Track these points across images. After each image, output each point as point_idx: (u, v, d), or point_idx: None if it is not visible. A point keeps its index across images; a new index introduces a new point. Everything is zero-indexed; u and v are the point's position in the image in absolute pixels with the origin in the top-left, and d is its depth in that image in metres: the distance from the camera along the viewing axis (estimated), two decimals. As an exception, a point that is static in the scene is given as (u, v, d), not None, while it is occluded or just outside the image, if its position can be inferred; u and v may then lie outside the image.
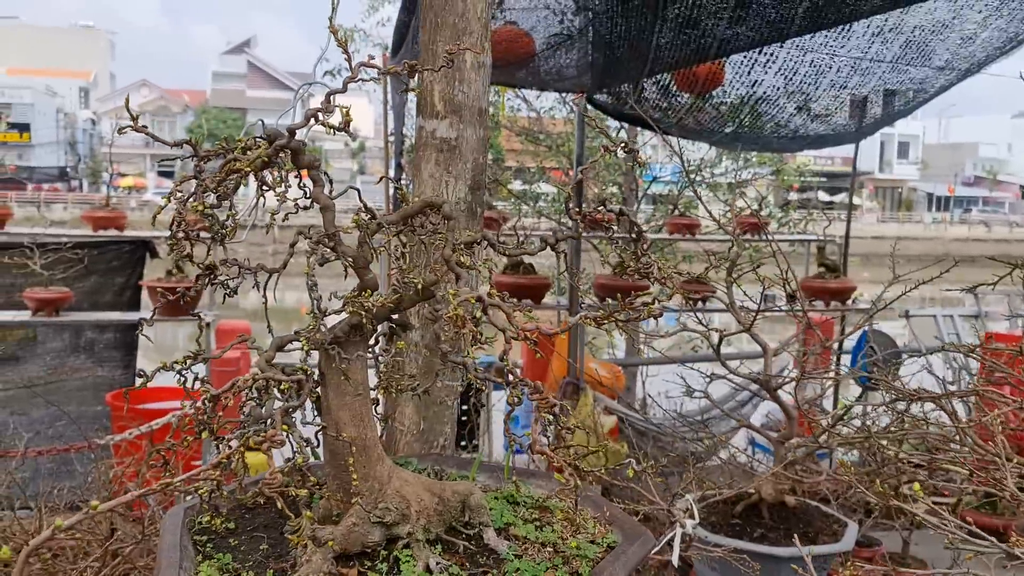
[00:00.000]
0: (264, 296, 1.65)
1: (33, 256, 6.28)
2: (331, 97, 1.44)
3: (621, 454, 6.88)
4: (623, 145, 1.68)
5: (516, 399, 1.41)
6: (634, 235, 1.75)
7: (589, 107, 5.93)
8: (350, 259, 1.55)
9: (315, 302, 1.43)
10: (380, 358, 1.64)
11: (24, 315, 6.32)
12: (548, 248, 1.76)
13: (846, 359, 7.52)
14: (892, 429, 3.80)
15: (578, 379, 6.89)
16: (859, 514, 5.15)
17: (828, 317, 8.59)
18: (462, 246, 1.65)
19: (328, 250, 1.54)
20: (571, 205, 1.75)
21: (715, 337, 3.11)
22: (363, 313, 1.48)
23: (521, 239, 5.80)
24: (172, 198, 1.50)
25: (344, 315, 1.59)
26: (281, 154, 1.52)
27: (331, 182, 1.65)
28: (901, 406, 3.92)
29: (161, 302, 6.44)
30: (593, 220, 1.76)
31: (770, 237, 7.67)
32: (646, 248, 1.81)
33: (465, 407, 6.73)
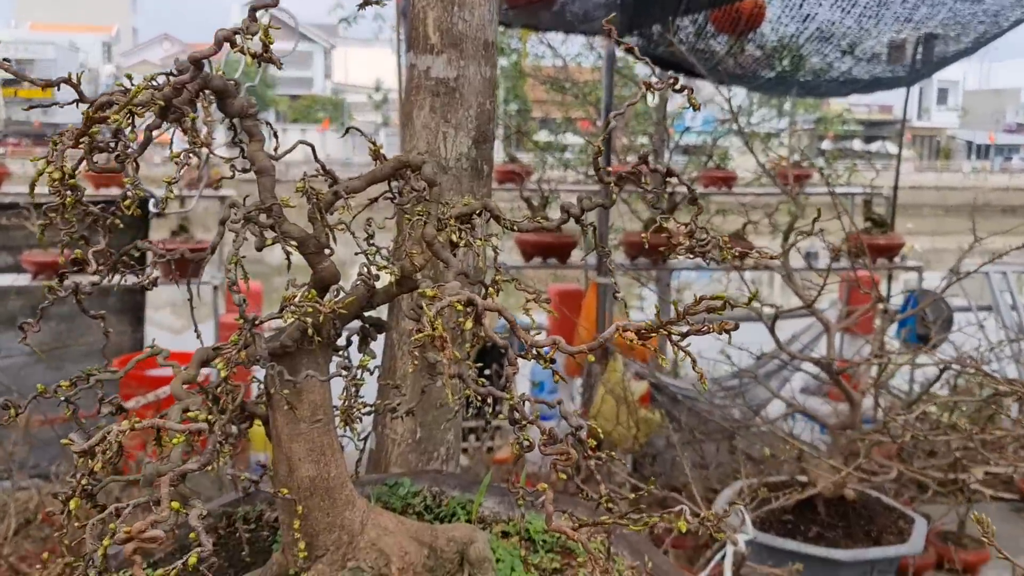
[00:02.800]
0: (189, 291, 1.23)
1: (30, 217, 5.94)
2: (254, 14, 1.00)
3: (653, 422, 6.48)
4: (672, 81, 1.23)
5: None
6: (689, 199, 1.31)
7: (618, 51, 5.43)
8: (294, 241, 1.12)
9: (242, 303, 1.01)
10: (346, 371, 1.22)
11: (24, 279, 6.00)
12: (573, 220, 1.33)
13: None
14: (952, 399, 3.36)
15: (607, 341, 6.46)
16: (911, 490, 4.73)
17: (875, 275, 8.08)
18: (453, 220, 1.22)
19: (267, 229, 1.12)
20: (599, 163, 1.30)
21: (769, 313, 2.67)
22: (310, 319, 1.06)
23: (545, 194, 5.30)
24: (50, 157, 1.09)
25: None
26: (200, 96, 1.09)
27: (275, 135, 1.22)
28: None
29: (161, 263, 6.10)
30: (624, 176, 1.31)
31: (813, 191, 7.15)
32: (697, 215, 1.37)
33: (486, 372, 6.35)
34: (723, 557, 2.10)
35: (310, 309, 1.02)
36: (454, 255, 1.34)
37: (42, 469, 5.49)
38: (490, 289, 1.41)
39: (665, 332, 0.94)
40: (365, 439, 1.46)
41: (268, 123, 1.20)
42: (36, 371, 6.78)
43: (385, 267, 1.16)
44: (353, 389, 1.06)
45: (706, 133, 10.42)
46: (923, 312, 6.01)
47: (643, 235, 6.02)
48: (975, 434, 2.96)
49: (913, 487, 4.74)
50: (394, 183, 1.27)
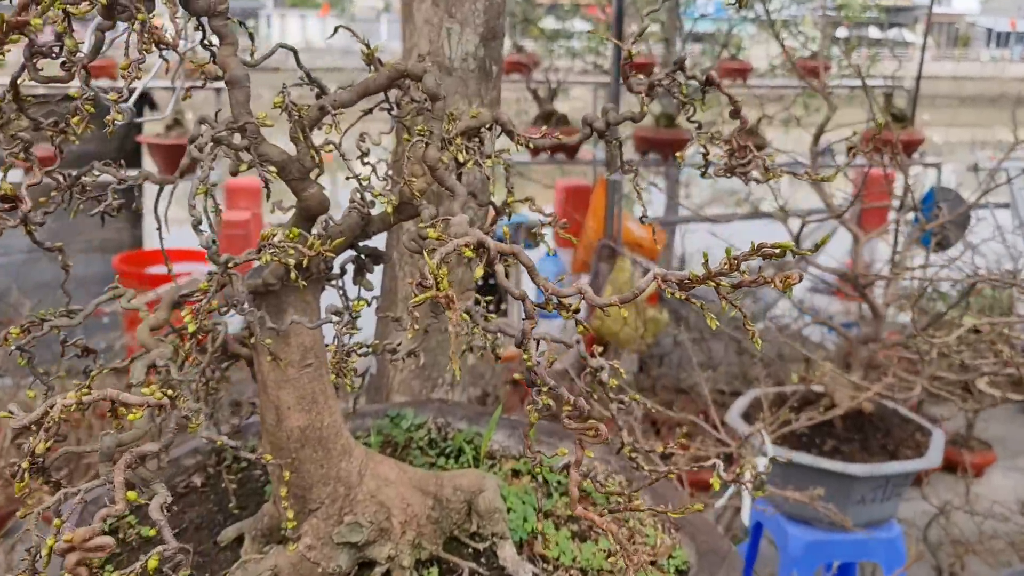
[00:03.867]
0: (157, 220, 1.08)
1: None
2: None
3: (661, 322, 6.38)
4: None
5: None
6: (732, 112, 1.14)
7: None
8: (273, 166, 0.95)
9: (211, 242, 0.85)
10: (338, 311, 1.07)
11: (16, 175, 5.81)
12: (597, 136, 1.16)
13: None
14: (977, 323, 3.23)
15: (615, 241, 6.32)
16: (917, 392, 4.65)
17: (890, 171, 7.83)
18: (459, 138, 1.05)
19: (243, 152, 0.95)
20: (627, 71, 1.12)
21: (795, 224, 2.50)
22: (291, 260, 0.90)
23: (552, 86, 5.04)
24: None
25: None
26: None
27: (252, 39, 1.04)
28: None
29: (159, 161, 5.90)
30: (655, 85, 1.14)
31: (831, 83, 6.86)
32: (740, 130, 1.20)
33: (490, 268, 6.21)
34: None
35: (291, 251, 0.87)
36: (460, 176, 1.18)
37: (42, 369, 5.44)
38: (501, 214, 1.25)
39: (713, 284, 0.79)
40: (363, 375, 1.33)
41: (241, 24, 1.02)
42: (37, 268, 6.66)
43: (380, 195, 1.00)
44: (347, 338, 0.92)
45: (721, 20, 9.96)
46: (939, 210, 5.82)
47: (658, 122, 5.73)
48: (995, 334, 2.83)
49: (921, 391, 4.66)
50: (392, 91, 1.09)
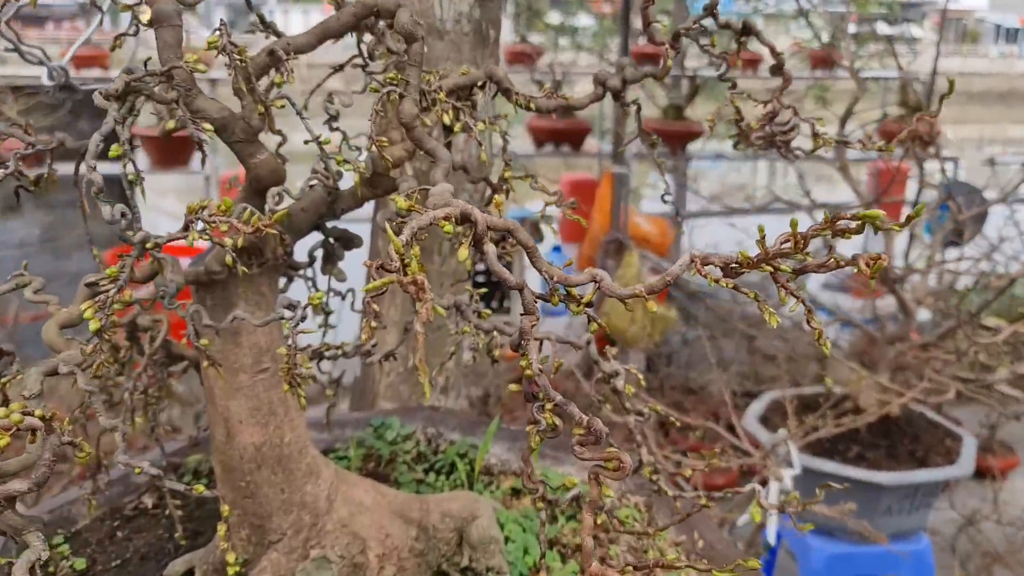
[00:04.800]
0: (82, 202, 0.89)
1: (7, 101, 5.54)
2: None
3: (669, 320, 6.19)
4: None
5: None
6: (773, 67, 0.95)
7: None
8: (211, 124, 0.76)
9: (120, 215, 0.66)
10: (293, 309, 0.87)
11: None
12: (611, 96, 0.97)
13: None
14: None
15: (622, 236, 6.14)
16: (951, 396, 4.45)
17: (904, 164, 7.61)
18: (443, 95, 0.86)
19: (173, 106, 0.76)
20: (649, 14, 0.93)
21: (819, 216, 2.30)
22: (227, 240, 0.71)
23: (557, 78, 4.84)
24: None
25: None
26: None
27: (262, 21, 0.85)
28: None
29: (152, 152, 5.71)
30: (680, 34, 0.96)
31: (843, 76, 6.67)
32: (781, 92, 1.02)
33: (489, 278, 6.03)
34: (765, 496, 1.81)
35: (224, 227, 0.68)
36: (448, 144, 0.99)
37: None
38: (498, 192, 1.07)
39: (770, 268, 0.60)
40: (336, 381, 1.14)
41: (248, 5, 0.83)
42: (38, 261, 6.45)
43: (345, 162, 0.81)
44: (298, 339, 0.73)
45: (730, 13, 9.75)
46: (956, 205, 5.62)
47: (665, 114, 5.53)
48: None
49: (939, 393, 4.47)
50: (365, 41, 0.90)
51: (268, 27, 0.87)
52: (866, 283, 2.80)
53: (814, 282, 6.29)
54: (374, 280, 0.55)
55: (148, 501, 1.23)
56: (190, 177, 5.13)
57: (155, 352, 0.92)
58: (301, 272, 1.01)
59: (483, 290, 1.04)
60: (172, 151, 5.23)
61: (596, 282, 0.66)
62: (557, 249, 7.01)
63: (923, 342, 2.60)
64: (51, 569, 1.08)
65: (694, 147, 6.50)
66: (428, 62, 1.39)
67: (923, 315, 5.99)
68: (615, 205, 6.30)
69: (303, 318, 0.75)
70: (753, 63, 6.67)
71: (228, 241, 0.71)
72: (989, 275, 2.99)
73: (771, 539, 1.78)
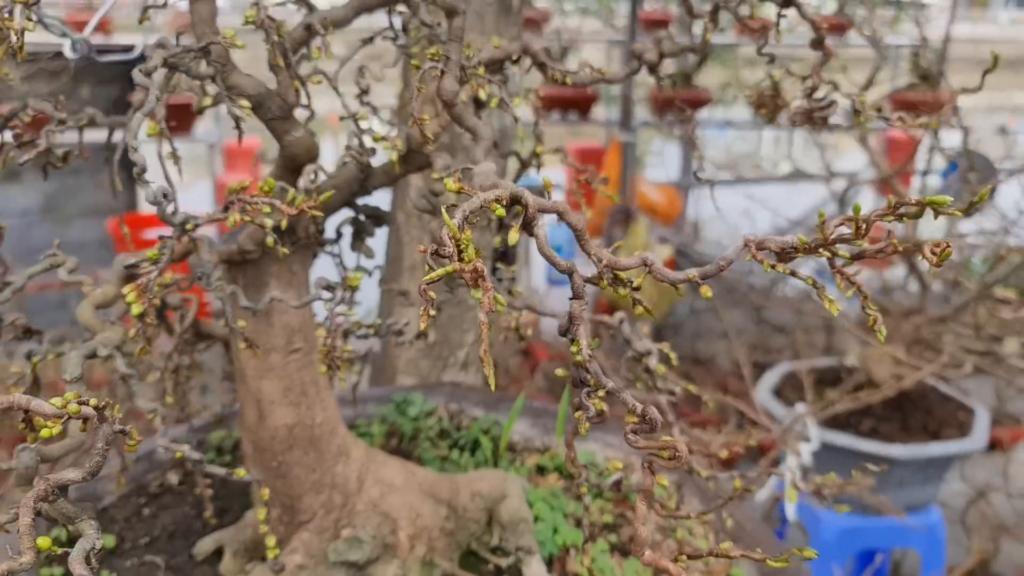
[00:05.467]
0: (125, 180, 0.87)
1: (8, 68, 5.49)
2: None
3: (677, 290, 6.17)
4: None
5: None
6: (813, 41, 0.93)
7: None
8: (247, 100, 0.74)
9: (162, 196, 0.65)
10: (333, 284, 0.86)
11: (5, 136, 5.62)
12: (648, 70, 0.95)
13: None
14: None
15: (629, 205, 6.11)
16: (968, 371, 4.44)
17: (914, 135, 7.54)
18: (479, 68, 0.84)
19: (207, 81, 0.74)
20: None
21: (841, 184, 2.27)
22: (268, 221, 0.70)
23: (564, 44, 4.80)
24: None
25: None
26: None
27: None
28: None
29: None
30: (652, 22, 0.94)
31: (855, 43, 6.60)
32: (823, 65, 0.99)
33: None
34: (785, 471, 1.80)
35: (267, 209, 0.67)
36: (479, 118, 0.97)
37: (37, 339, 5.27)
38: (527, 167, 1.05)
39: (828, 255, 0.59)
40: (363, 358, 1.13)
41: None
42: (31, 232, 6.46)
43: (383, 139, 0.79)
44: (340, 320, 0.72)
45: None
46: (967, 173, 5.57)
47: (674, 83, 5.48)
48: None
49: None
50: (397, 15, 0.88)
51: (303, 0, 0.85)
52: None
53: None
54: (428, 267, 0.53)
55: (174, 478, 1.22)
56: (193, 145, 5.09)
57: (185, 331, 0.91)
58: (328, 248, 1.00)
59: (512, 267, 1.03)
60: (174, 119, 5.17)
61: (647, 266, 0.64)
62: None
63: (941, 315, 2.58)
64: (79, 547, 1.08)
65: (701, 115, 6.44)
66: (450, 32, 1.36)
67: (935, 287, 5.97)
68: (623, 174, 6.26)
69: (342, 300, 0.74)
70: (763, 29, 6.58)
71: (268, 222, 0.69)
72: (1006, 248, 2.96)
73: (790, 516, 1.78)
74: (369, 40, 0.94)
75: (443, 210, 0.54)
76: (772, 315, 5.21)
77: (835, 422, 2.73)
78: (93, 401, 0.51)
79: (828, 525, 2.77)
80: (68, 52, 1.01)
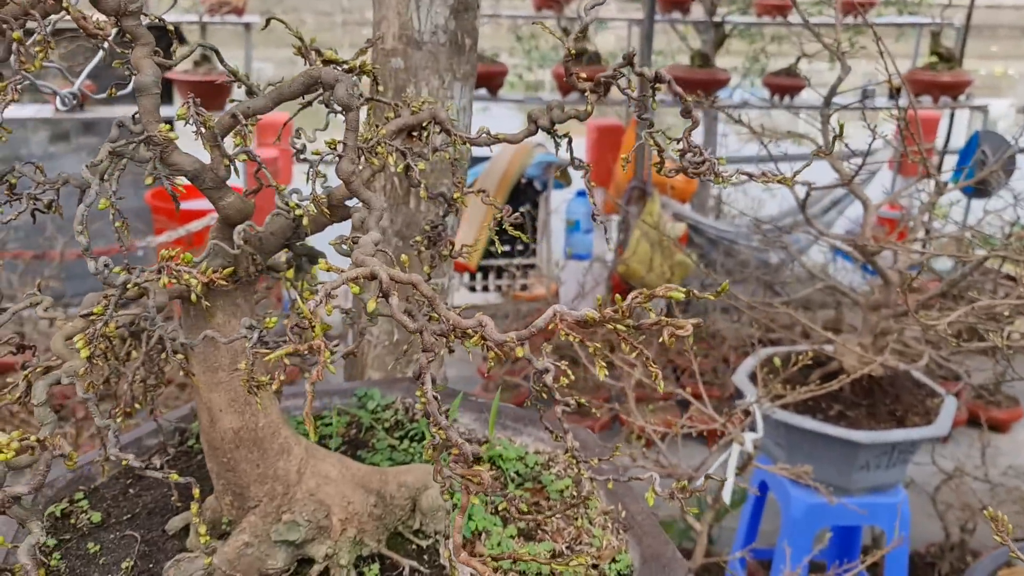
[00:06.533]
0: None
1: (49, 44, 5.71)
2: None
3: (688, 266, 6.31)
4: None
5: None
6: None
7: None
8: (186, 176, 0.93)
9: (104, 267, 0.83)
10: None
11: (47, 110, 5.89)
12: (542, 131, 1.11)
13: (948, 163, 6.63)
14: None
15: (645, 182, 6.23)
16: (944, 349, 4.55)
17: (935, 114, 7.53)
18: (384, 140, 1.01)
19: (154, 165, 0.92)
20: (570, 67, 1.06)
21: (800, 191, 2.41)
22: (193, 282, 0.88)
23: (586, 23, 4.99)
24: None
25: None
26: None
27: (177, 35, 1.00)
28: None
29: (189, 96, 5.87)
30: (601, 83, 1.10)
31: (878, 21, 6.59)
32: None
33: (522, 208, 6.16)
34: (727, 458, 1.98)
35: (186, 276, 0.84)
36: (407, 169, 1.15)
37: (75, 301, 5.53)
38: (451, 210, 1.22)
39: (621, 327, 0.75)
40: (348, 355, 1.31)
41: (162, 20, 0.98)
42: (73, 201, 6.69)
43: (296, 205, 0.96)
44: (252, 358, 0.90)
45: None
46: (983, 154, 5.61)
47: (693, 62, 5.56)
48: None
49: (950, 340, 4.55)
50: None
51: (241, 79, 1.02)
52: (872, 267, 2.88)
53: (840, 229, 6.33)
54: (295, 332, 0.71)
55: (157, 462, 1.43)
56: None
57: (152, 348, 1.10)
58: (279, 275, 1.18)
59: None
60: (208, 95, 5.40)
61: (481, 326, 0.81)
62: (582, 194, 7.11)
63: (931, 294, 2.64)
64: (72, 521, 1.29)
65: (720, 95, 6.52)
66: (407, 71, 1.53)
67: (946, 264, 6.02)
68: (639, 152, 6.37)
69: (260, 339, 0.92)
70: (781, 9, 6.62)
71: (194, 282, 0.88)
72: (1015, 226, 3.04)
73: (726, 498, 1.95)
74: (307, 104, 1.12)
75: (299, 298, 0.71)
76: (784, 291, 5.30)
77: (805, 406, 2.88)
78: (34, 438, 0.70)
79: (797, 501, 2.94)
80: (59, 105, 1.19)
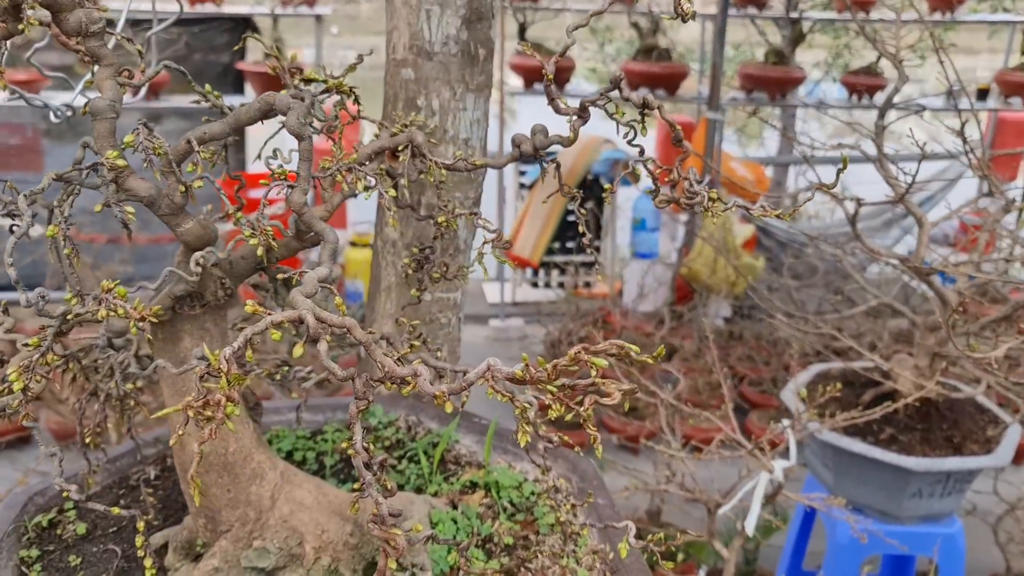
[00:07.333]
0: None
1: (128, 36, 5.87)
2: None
3: (756, 269, 6.15)
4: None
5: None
6: None
7: None
8: (142, 201, 0.90)
9: (39, 298, 0.81)
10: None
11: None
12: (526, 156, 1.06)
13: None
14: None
15: (712, 180, 6.08)
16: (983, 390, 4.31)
17: (1025, 116, 7.16)
18: (352, 159, 0.97)
19: (111, 188, 0.90)
20: (552, 92, 1.01)
21: (850, 207, 2.29)
22: (132, 316, 0.85)
23: (656, 18, 4.86)
24: None
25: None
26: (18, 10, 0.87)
27: (141, 53, 0.98)
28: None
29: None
30: (587, 106, 1.04)
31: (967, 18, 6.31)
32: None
33: (588, 205, 6.08)
34: (754, 486, 1.89)
35: (120, 311, 0.82)
36: (396, 185, 1.11)
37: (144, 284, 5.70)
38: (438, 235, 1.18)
39: (548, 388, 0.70)
40: (255, 407, 1.29)
41: (128, 41, 0.96)
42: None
43: (251, 235, 0.93)
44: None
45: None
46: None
47: (767, 59, 5.40)
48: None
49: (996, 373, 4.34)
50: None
51: (207, 97, 1.00)
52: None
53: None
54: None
55: (151, 472, 1.43)
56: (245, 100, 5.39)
57: (125, 368, 1.09)
58: (268, 294, 1.16)
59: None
60: (278, 87, 5.46)
61: (416, 376, 0.77)
62: (649, 193, 6.99)
63: (992, 318, 2.50)
64: (59, 531, 1.29)
65: (799, 92, 6.34)
66: (418, 82, 1.49)
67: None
68: (707, 150, 6.23)
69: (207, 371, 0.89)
70: (864, 4, 6.38)
71: (134, 315, 0.86)
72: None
73: (749, 530, 1.87)
74: (282, 126, 1.09)
75: (204, 351, 0.68)
76: (855, 297, 5.11)
77: (855, 427, 2.75)
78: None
79: (844, 528, 2.82)
80: (52, 118, 1.19)
